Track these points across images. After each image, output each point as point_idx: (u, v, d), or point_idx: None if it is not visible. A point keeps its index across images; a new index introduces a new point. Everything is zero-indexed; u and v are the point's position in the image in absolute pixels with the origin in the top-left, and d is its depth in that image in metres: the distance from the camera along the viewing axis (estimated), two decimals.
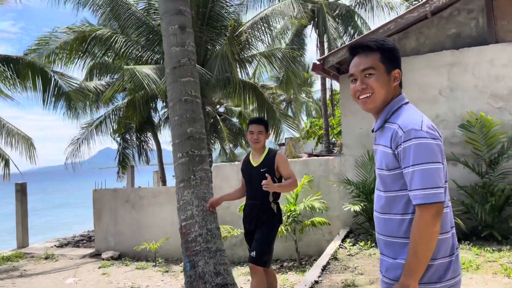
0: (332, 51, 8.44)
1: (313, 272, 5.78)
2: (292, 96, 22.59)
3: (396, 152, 1.81)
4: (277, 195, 4.19)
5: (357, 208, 7.36)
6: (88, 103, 12.98)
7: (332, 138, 18.16)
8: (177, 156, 4.49)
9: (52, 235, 15.19)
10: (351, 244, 7.30)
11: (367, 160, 8.09)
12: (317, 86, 31.92)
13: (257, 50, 12.68)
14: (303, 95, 25.86)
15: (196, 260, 4.22)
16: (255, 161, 4.25)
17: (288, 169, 4.19)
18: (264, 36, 11.73)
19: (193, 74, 4.60)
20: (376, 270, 6.03)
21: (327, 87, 17.50)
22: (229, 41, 10.73)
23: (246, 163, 4.34)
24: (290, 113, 27.00)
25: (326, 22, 15.69)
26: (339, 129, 17.09)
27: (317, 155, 14.87)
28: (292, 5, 11.17)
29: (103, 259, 10.19)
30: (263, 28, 11.86)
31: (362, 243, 7.10)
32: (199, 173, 4.45)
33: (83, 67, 12.94)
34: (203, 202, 4.38)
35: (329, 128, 17.64)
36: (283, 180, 4.19)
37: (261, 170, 4.15)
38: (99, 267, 9.46)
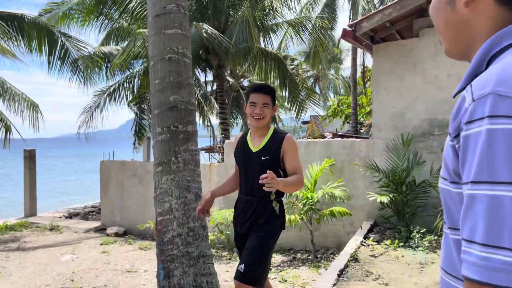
0: (366, 15, 7.03)
1: (328, 277, 4.62)
2: (319, 73, 21.08)
3: (457, 146, 0.86)
4: (279, 191, 3.03)
5: (384, 199, 6.10)
6: (102, 69, 11.96)
7: (360, 118, 16.69)
8: (155, 132, 3.36)
9: (67, 202, 14.53)
10: (375, 241, 6.08)
11: (400, 144, 6.77)
12: (347, 63, 30.14)
13: (283, 18, 11.29)
14: (332, 71, 24.23)
15: (172, 268, 3.13)
16: (254, 145, 3.08)
17: (295, 160, 3.00)
18: (291, 1, 10.33)
19: (182, 25, 3.42)
20: (405, 278, 4.83)
21: (358, 62, 15.92)
22: (251, 4, 9.41)
23: (243, 145, 3.18)
24: (317, 90, 25.43)
25: None
26: (369, 108, 15.59)
27: (342, 135, 13.50)
28: None
29: (107, 235, 9.31)
30: None
31: (388, 242, 5.86)
32: (183, 154, 3.31)
33: (99, 31, 11.88)
34: (186, 193, 3.26)
35: (358, 107, 16.16)
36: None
37: (262, 158, 2.98)
38: (101, 244, 8.58)
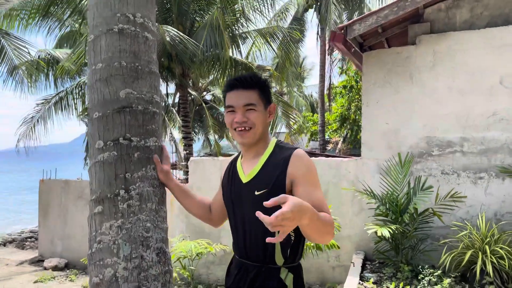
0: (359, 17, 5.96)
1: None
2: (284, 89, 20.09)
3: None
4: (293, 250, 1.78)
5: (385, 232, 4.92)
6: (49, 75, 10.26)
7: (327, 136, 15.74)
8: (94, 148, 2.00)
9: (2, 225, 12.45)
10: (374, 283, 4.88)
11: (396, 166, 5.67)
12: (309, 81, 29.60)
13: (254, 25, 10.13)
14: (295, 89, 23.37)
15: None
16: (246, 172, 1.87)
17: (315, 193, 1.73)
18: (264, 7, 9.18)
19: None
20: None
21: (326, 76, 15.02)
22: (221, 7, 8.18)
23: (231, 175, 1.95)
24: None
25: (330, 5, 13.20)
26: (335, 125, 14.64)
27: (311, 153, 12.44)
28: None
29: (45, 268, 7.59)
30: None
31: (392, 285, 4.68)
32: (139, 185, 1.94)
33: (47, 34, 10.22)
34: (142, 250, 1.89)
35: (325, 125, 15.20)
36: None
37: (256, 192, 1.76)
38: (35, 281, 6.87)
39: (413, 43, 6.01)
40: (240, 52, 9.79)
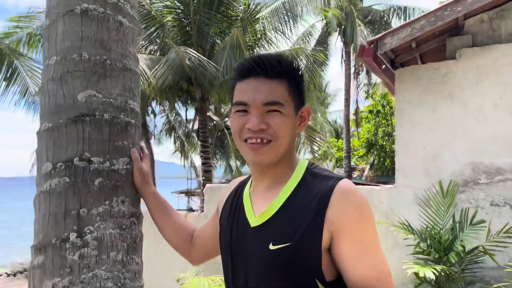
0: (391, 29, 5.34)
1: None
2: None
3: None
4: None
5: (429, 273, 4.12)
6: None
7: (353, 162, 14.93)
8: (40, 172, 1.41)
9: (15, 252, 12.06)
10: None
11: (437, 196, 4.89)
12: (333, 107, 28.98)
13: (276, 47, 9.64)
14: (318, 114, 22.75)
15: None
16: (256, 209, 1.22)
17: (372, 254, 1.11)
18: (285, 27, 8.69)
19: None
20: None
21: (351, 101, 14.36)
22: (242, 26, 7.72)
23: (234, 207, 1.30)
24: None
25: (355, 28, 12.66)
26: (362, 152, 13.86)
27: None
28: None
29: None
30: (285, 17, 8.85)
31: None
32: (100, 226, 1.34)
33: None
34: None
35: (351, 151, 14.43)
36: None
37: (271, 247, 1.12)
38: None
39: (453, 57, 5.31)
40: None
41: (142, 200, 1.56)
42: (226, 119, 16.80)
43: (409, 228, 4.76)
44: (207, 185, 6.41)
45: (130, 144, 1.50)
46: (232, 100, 1.24)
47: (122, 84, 1.51)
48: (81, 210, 1.36)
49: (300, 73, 1.24)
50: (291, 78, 1.20)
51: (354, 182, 6.99)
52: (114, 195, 1.42)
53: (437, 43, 5.75)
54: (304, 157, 13.33)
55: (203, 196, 7.80)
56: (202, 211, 6.44)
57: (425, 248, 4.51)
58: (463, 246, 4.37)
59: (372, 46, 5.26)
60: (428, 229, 4.67)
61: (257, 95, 1.17)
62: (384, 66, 5.70)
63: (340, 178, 1.16)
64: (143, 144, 1.62)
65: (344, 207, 1.10)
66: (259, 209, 1.22)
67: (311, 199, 1.13)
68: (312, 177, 1.20)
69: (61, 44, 1.48)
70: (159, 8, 9.60)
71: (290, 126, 1.20)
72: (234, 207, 1.31)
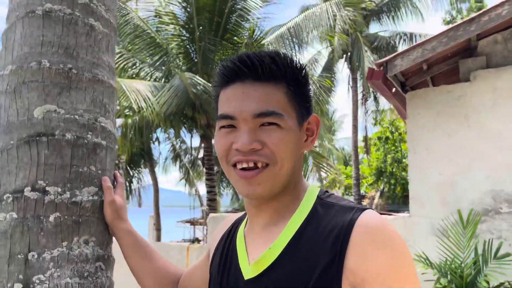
0: (401, 50, 5.11)
1: None
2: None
3: None
4: None
5: None
6: None
7: (362, 190, 14.53)
8: None
9: None
10: None
11: (457, 226, 4.52)
12: (340, 134, 28.71)
13: None
14: (325, 142, 22.47)
15: None
16: (252, 254, 0.93)
17: None
18: (291, 51, 8.54)
19: None
20: None
21: (359, 127, 14.09)
22: (246, 50, 7.60)
23: (226, 252, 1.00)
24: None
25: (362, 54, 12.53)
26: (371, 179, 13.49)
27: None
28: (330, 9, 8.00)
29: None
30: (290, 43, 8.71)
31: None
32: (53, 275, 1.05)
33: None
34: None
35: (360, 178, 14.06)
36: None
37: None
38: None
39: (467, 80, 5.05)
40: None
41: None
42: None
43: (427, 262, 4.38)
44: (211, 214, 6.10)
45: (99, 170, 1.23)
46: (217, 112, 0.97)
47: (91, 98, 1.25)
48: (30, 254, 1.07)
49: (303, 73, 0.97)
50: (291, 79, 0.92)
51: None
52: (75, 234, 1.13)
53: (449, 65, 5.50)
54: (310, 182, 12.90)
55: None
56: (206, 241, 6.09)
57: (446, 284, 4.11)
58: (488, 282, 3.98)
59: (381, 68, 5.02)
60: (448, 262, 4.28)
61: (245, 104, 0.89)
62: (394, 89, 5.45)
63: (363, 209, 0.87)
64: (117, 171, 1.34)
65: (371, 250, 0.80)
66: (255, 255, 0.92)
67: (324, 239, 0.84)
68: (325, 208, 0.91)
69: (19, 50, 1.23)
70: (165, 36, 9.54)
71: (293, 142, 0.91)
72: (225, 252, 1.01)
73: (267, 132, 0.89)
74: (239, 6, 9.27)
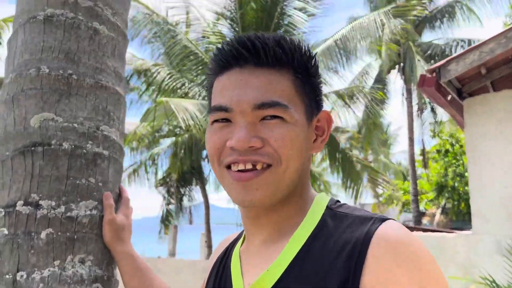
0: (456, 54, 4.75)
1: None
2: (369, 155, 18.53)
3: None
4: None
5: None
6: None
7: (422, 207, 13.73)
8: None
9: None
10: None
11: None
12: (396, 148, 27.65)
13: (330, 86, 9.26)
14: (381, 156, 21.67)
15: None
16: (247, 277, 0.79)
17: None
18: (339, 65, 8.32)
19: None
20: None
21: (416, 139, 13.42)
22: None
23: (220, 275, 0.85)
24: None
25: (415, 64, 11.99)
26: (432, 195, 12.73)
27: (405, 226, 10.67)
28: (379, 18, 7.72)
29: None
30: (337, 55, 8.49)
31: None
32: None
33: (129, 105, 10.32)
34: None
35: (418, 194, 13.32)
36: None
37: None
38: None
39: None
40: None
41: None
42: None
43: (494, 284, 3.92)
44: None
45: (100, 182, 1.13)
46: (209, 105, 0.83)
47: (93, 105, 1.16)
48: (19, 273, 0.98)
49: (313, 61, 0.82)
50: (299, 66, 0.78)
51: (423, 229, 6.07)
52: (69, 253, 1.03)
53: (510, 68, 5.04)
54: (365, 202, 12.57)
55: None
56: None
57: None
58: None
59: (434, 74, 4.69)
60: None
61: (243, 93, 0.75)
62: (449, 96, 5.06)
63: (383, 219, 0.70)
64: (122, 185, 1.24)
65: (393, 269, 0.64)
66: (251, 278, 0.77)
67: (335, 256, 0.69)
68: (336, 220, 0.75)
69: (19, 58, 1.17)
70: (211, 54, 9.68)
71: (300, 140, 0.76)
72: (220, 275, 0.87)
73: (270, 127, 0.75)
74: (285, 22, 9.24)
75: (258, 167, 0.74)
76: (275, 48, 0.76)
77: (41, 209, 1.03)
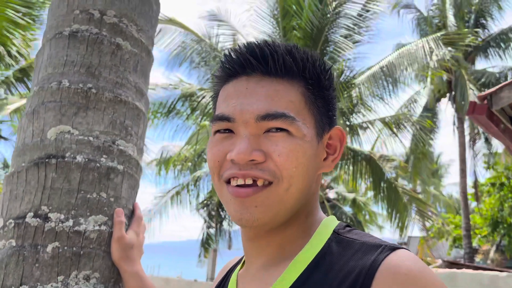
0: (508, 81, 4.47)
1: None
2: (418, 186, 17.73)
3: None
4: None
5: None
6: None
7: (475, 243, 12.87)
8: (2, 232, 1.07)
9: None
10: None
11: None
12: (447, 180, 26.41)
13: (375, 112, 9.03)
14: (431, 187, 20.71)
15: None
16: None
17: None
18: (384, 92, 8.11)
19: None
20: None
21: (468, 171, 12.74)
22: (336, 90, 7.39)
23: None
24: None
25: (467, 92, 11.49)
26: (486, 230, 11.92)
27: (453, 263, 10.00)
28: (427, 45, 7.49)
29: None
30: (383, 83, 8.30)
31: None
32: None
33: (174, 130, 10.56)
34: None
35: (471, 229, 12.53)
36: None
37: None
38: None
39: None
40: (359, 142, 8.66)
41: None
42: (327, 190, 16.08)
43: None
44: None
45: (112, 197, 1.10)
46: (214, 114, 0.78)
47: (110, 120, 1.15)
48: (23, 286, 0.95)
49: (328, 73, 0.76)
50: (311, 77, 0.73)
51: (474, 266, 5.67)
52: (74, 268, 1.00)
53: None
54: (412, 234, 12.07)
55: None
56: None
57: None
58: None
59: (485, 102, 4.43)
60: None
61: (248, 103, 0.70)
62: (502, 125, 4.75)
63: (393, 248, 0.61)
64: (137, 203, 1.20)
65: None
66: None
67: (336, 286, 0.60)
68: (342, 246, 0.67)
69: (43, 72, 1.19)
70: None
71: (307, 157, 0.70)
72: None
73: (274, 140, 0.69)
74: (330, 49, 9.20)
75: (259, 183, 0.68)
76: (285, 57, 0.71)
77: (49, 222, 1.01)
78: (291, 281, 0.65)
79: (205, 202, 10.46)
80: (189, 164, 9.66)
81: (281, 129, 0.68)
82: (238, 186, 0.69)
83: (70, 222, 1.02)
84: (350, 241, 0.66)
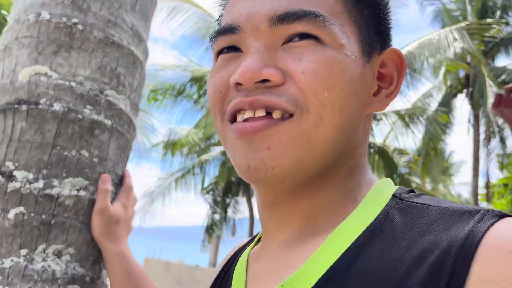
0: None
1: None
2: (428, 184, 17.42)
3: None
4: None
5: None
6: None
7: None
8: None
9: None
10: None
11: None
12: (457, 179, 25.99)
13: (391, 105, 8.76)
14: (440, 185, 20.38)
15: None
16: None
17: None
18: (404, 81, 7.85)
19: None
20: None
21: (480, 172, 12.45)
22: None
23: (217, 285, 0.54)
24: None
25: (486, 89, 11.13)
26: None
27: None
28: (451, 35, 7.17)
29: None
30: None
31: None
32: None
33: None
34: None
35: None
36: None
37: None
38: None
39: None
40: (372, 134, 8.44)
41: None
42: None
43: None
44: None
45: (95, 158, 0.89)
46: (212, 45, 0.56)
47: (99, 64, 0.94)
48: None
49: None
50: None
51: None
52: (42, 240, 0.80)
53: None
54: None
55: None
56: None
57: None
58: None
59: (511, 94, 4.17)
60: None
61: (258, 3, 0.48)
62: None
63: (497, 214, 0.39)
64: (127, 169, 1.00)
65: None
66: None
67: (407, 267, 0.39)
68: (409, 214, 0.44)
69: (22, 2, 0.98)
70: None
71: (347, 78, 0.47)
72: (219, 284, 0.59)
73: (297, 52, 0.47)
74: None
75: (275, 115, 0.46)
76: None
77: (14, 181, 0.81)
78: (329, 263, 0.43)
79: (210, 187, 10.31)
80: (196, 148, 9.50)
81: (308, 36, 0.47)
82: (245, 121, 0.47)
83: (41, 184, 0.82)
84: (422, 208, 0.44)
